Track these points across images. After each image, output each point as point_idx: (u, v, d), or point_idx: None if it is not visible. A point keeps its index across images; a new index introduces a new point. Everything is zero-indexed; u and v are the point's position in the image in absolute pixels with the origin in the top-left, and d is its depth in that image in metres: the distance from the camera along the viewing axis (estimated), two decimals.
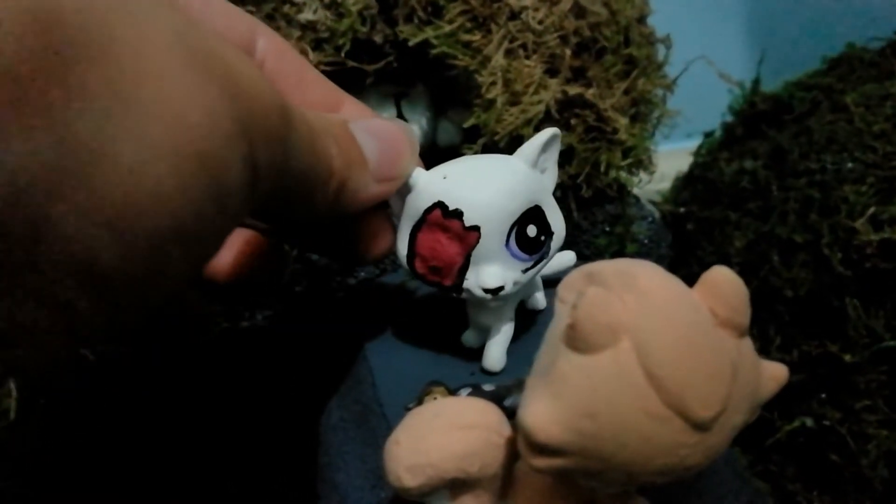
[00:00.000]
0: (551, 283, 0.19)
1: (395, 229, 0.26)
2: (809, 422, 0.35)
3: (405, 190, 0.24)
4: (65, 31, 0.12)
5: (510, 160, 0.25)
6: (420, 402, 0.24)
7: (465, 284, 0.24)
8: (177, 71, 0.14)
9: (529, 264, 0.25)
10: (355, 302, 0.35)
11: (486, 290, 0.24)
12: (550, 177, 0.27)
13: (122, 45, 0.13)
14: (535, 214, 0.25)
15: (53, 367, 0.15)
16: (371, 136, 0.22)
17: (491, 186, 0.24)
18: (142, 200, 0.13)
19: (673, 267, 0.41)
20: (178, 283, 0.16)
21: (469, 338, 0.28)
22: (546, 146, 0.25)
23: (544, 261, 0.25)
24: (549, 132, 0.25)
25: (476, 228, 0.23)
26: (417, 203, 0.24)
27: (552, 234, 0.25)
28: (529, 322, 0.29)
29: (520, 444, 0.17)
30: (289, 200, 0.20)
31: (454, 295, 0.25)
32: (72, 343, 0.14)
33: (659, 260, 0.38)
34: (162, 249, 0.14)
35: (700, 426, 0.15)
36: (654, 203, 0.45)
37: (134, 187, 0.13)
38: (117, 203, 0.13)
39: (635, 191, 0.40)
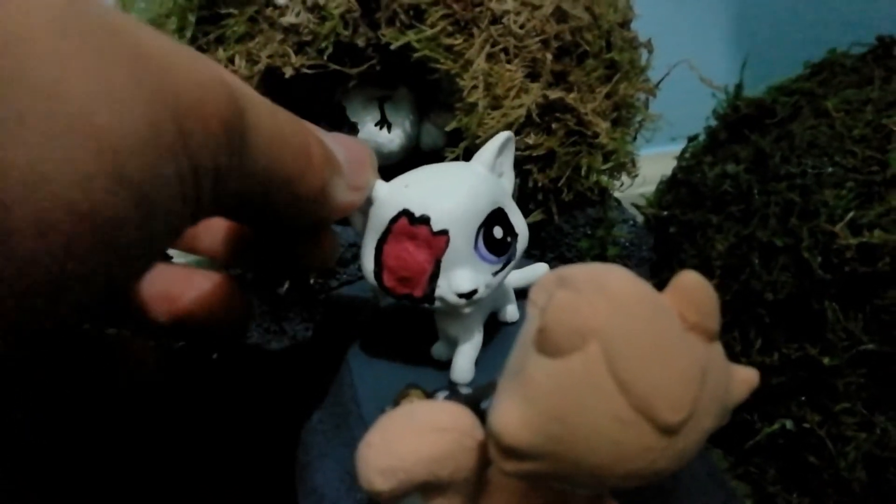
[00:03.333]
0: (524, 294, 0.20)
1: (333, 232, 0.25)
2: (789, 424, 0.35)
3: (366, 204, 0.24)
4: None
5: (469, 165, 0.26)
6: (396, 404, 0.24)
7: (438, 292, 0.24)
8: (60, 42, 0.13)
9: (499, 266, 0.25)
10: (338, 303, 0.35)
11: (461, 295, 0.24)
12: (508, 180, 0.27)
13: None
14: (499, 216, 0.25)
15: None
16: (337, 144, 0.22)
17: (455, 190, 0.24)
18: (18, 190, 0.12)
19: (655, 270, 0.41)
20: (97, 290, 0.14)
21: (439, 350, 0.28)
22: (501, 149, 0.26)
23: (512, 263, 0.26)
24: (503, 136, 0.26)
25: (444, 232, 0.23)
26: (381, 214, 0.24)
27: (517, 235, 0.26)
28: (500, 334, 0.29)
29: (490, 448, 0.17)
30: (268, 200, 0.19)
31: (425, 306, 0.25)
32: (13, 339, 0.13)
33: (641, 263, 0.38)
34: (61, 248, 0.13)
35: (668, 430, 0.15)
36: (637, 207, 0.45)
37: (6, 176, 0.12)
38: (39, 210, 0.12)
39: (618, 194, 0.40)
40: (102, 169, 0.13)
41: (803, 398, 0.36)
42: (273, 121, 0.18)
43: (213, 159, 0.16)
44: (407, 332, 0.29)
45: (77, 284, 0.14)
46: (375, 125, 0.38)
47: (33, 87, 0.12)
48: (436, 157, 0.38)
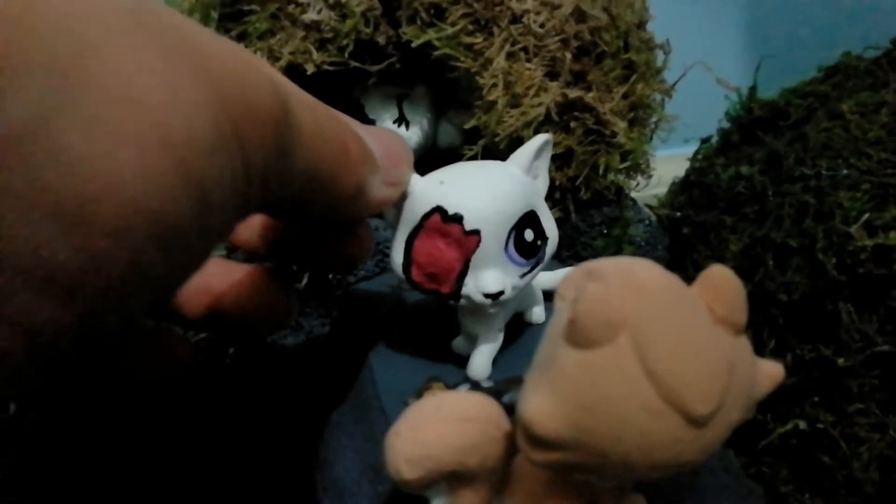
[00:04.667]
0: (552, 296, 0.20)
1: (370, 230, 0.25)
2: (802, 424, 0.35)
3: (401, 197, 0.24)
4: None
5: (505, 165, 0.25)
6: (419, 396, 0.24)
7: (464, 291, 0.24)
8: (128, 46, 0.13)
9: (527, 269, 0.25)
10: (356, 299, 0.36)
11: (487, 296, 0.24)
12: (542, 183, 0.27)
13: (62, 11, 0.12)
14: (531, 219, 0.25)
15: (19, 389, 0.13)
16: (374, 139, 0.22)
17: (490, 191, 0.24)
18: (95, 191, 0.12)
19: (669, 270, 0.41)
20: (159, 287, 0.15)
21: (460, 344, 0.28)
22: (538, 152, 0.26)
23: (540, 265, 0.26)
24: (541, 138, 0.26)
25: (476, 233, 0.23)
26: (414, 209, 0.24)
27: (547, 238, 0.26)
28: (525, 335, 0.29)
29: (519, 438, 0.17)
30: (306, 198, 0.19)
31: (451, 302, 0.25)
32: (39, 361, 0.13)
33: (655, 262, 0.38)
34: (132, 248, 0.13)
35: (697, 422, 0.15)
36: (651, 207, 0.46)
37: (84, 177, 0.12)
38: (64, 193, 0.12)
39: (633, 194, 0.41)
40: (171, 171, 0.13)
41: (817, 399, 0.36)
42: (314, 118, 0.19)
43: (264, 158, 0.16)
44: (427, 327, 0.30)
45: (145, 283, 0.14)
46: (393, 123, 0.38)
47: (105, 91, 0.12)
48: (453, 154, 0.38)
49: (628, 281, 0.16)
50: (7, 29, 0.11)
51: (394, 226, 0.25)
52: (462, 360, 0.28)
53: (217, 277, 0.25)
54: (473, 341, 0.27)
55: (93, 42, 0.12)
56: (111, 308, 0.13)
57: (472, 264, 0.24)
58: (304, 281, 0.35)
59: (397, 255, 0.25)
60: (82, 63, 0.12)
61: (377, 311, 0.33)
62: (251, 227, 0.25)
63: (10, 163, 0.11)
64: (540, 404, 0.16)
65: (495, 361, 0.27)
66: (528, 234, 0.24)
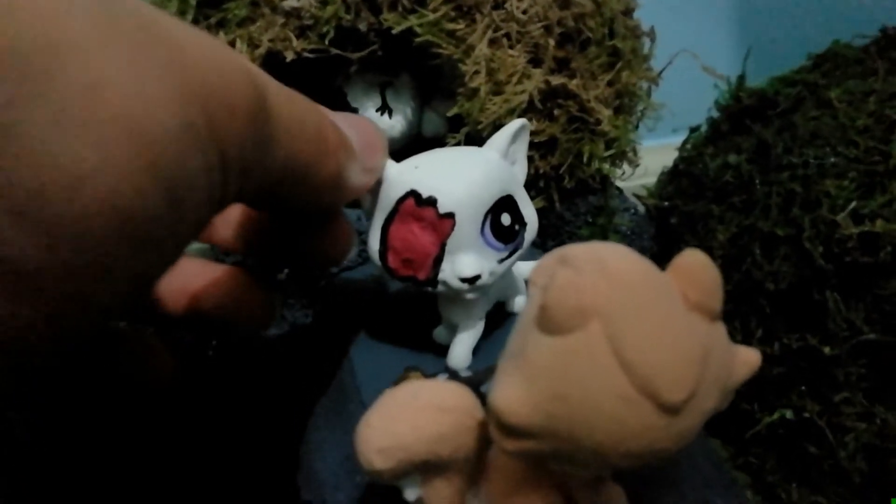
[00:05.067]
0: None
1: (350, 225, 0.25)
2: (789, 414, 0.35)
3: (376, 183, 0.24)
4: None
5: (481, 150, 0.25)
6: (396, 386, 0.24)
7: (441, 276, 0.24)
8: (98, 40, 0.13)
9: (505, 254, 0.25)
10: (338, 289, 0.35)
11: (463, 280, 0.24)
12: (520, 168, 0.27)
13: (33, 15, 0.12)
14: (508, 203, 0.24)
15: None
16: (349, 126, 0.22)
17: (464, 173, 0.24)
18: (59, 188, 0.12)
19: (656, 260, 0.41)
20: (130, 285, 0.14)
21: (441, 334, 0.28)
22: (515, 137, 0.25)
23: (519, 251, 0.25)
24: (517, 123, 0.25)
25: (451, 216, 0.23)
26: (389, 194, 0.24)
27: (526, 224, 0.25)
28: (507, 324, 0.29)
29: (490, 427, 0.17)
30: (287, 188, 0.19)
31: (429, 289, 0.25)
32: (7, 361, 0.13)
33: (641, 251, 0.38)
34: (98, 245, 0.13)
35: (670, 409, 0.15)
36: (638, 197, 0.45)
37: (50, 173, 0.12)
38: (27, 188, 0.12)
39: (620, 185, 0.40)
40: (139, 165, 0.13)
41: (803, 388, 0.36)
42: (291, 107, 0.18)
43: (240, 150, 0.16)
44: (408, 317, 0.29)
45: (114, 280, 0.14)
46: (376, 111, 0.37)
47: (71, 85, 0.12)
48: (437, 143, 0.37)
49: (600, 267, 0.16)
50: None
51: (370, 213, 0.25)
52: (443, 351, 0.27)
53: (196, 277, 0.24)
54: (454, 331, 0.27)
55: (62, 37, 0.12)
56: (80, 307, 0.13)
57: (448, 249, 0.24)
58: (285, 273, 0.34)
59: (374, 242, 0.25)
60: (51, 60, 0.12)
61: (360, 300, 0.33)
62: (229, 224, 0.25)
63: None
64: (511, 392, 0.16)
65: (477, 351, 0.27)
66: (506, 219, 0.24)
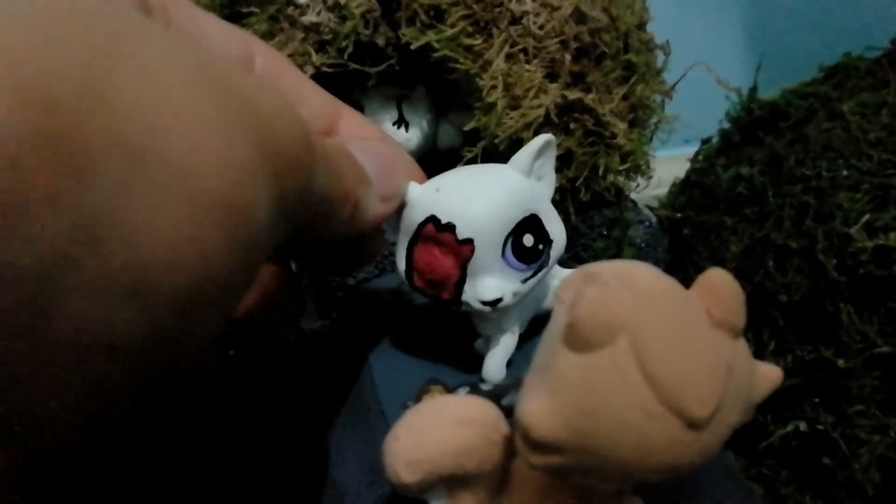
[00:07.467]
0: None
1: (382, 230, 0.25)
2: (803, 426, 0.35)
3: (401, 205, 0.24)
4: (62, 104, 0.11)
5: (504, 169, 0.25)
6: (418, 399, 0.24)
7: (464, 297, 0.24)
8: (193, 120, 0.13)
9: (528, 274, 0.25)
10: (356, 300, 0.36)
11: (484, 303, 0.24)
12: (548, 184, 0.26)
13: (130, 98, 0.12)
14: (531, 223, 0.24)
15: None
16: (368, 155, 0.22)
17: (483, 198, 0.24)
18: (162, 263, 0.12)
19: (669, 271, 0.41)
20: (211, 334, 0.15)
21: (480, 345, 0.28)
22: (540, 153, 0.25)
23: (545, 269, 0.25)
24: (542, 139, 0.25)
25: (469, 241, 0.23)
26: (412, 217, 0.24)
27: (551, 241, 0.25)
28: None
29: (517, 441, 0.17)
30: (310, 226, 0.20)
31: (454, 308, 0.25)
32: (101, 419, 0.14)
33: (655, 263, 0.38)
34: (191, 307, 0.13)
35: (695, 424, 0.15)
36: (651, 208, 0.45)
37: (152, 252, 0.12)
38: (134, 269, 0.12)
39: (633, 196, 0.40)
40: (226, 234, 0.14)
41: (817, 400, 0.36)
42: (324, 151, 0.19)
43: (294, 203, 0.17)
44: (428, 329, 0.30)
45: (193, 339, 0.14)
46: (393, 124, 0.38)
47: (170, 165, 0.13)
48: (453, 156, 0.38)
49: (626, 284, 0.16)
50: (87, 113, 0.11)
51: (396, 232, 0.25)
52: (462, 362, 0.28)
53: None
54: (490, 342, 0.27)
55: (160, 124, 0.13)
56: (167, 360, 0.14)
57: (469, 271, 0.24)
58: (304, 283, 0.35)
59: (400, 262, 0.25)
60: (149, 142, 0.12)
61: (377, 312, 0.33)
62: None
63: (83, 241, 0.11)
64: (538, 407, 0.16)
65: (513, 363, 0.27)
66: (528, 240, 0.24)
